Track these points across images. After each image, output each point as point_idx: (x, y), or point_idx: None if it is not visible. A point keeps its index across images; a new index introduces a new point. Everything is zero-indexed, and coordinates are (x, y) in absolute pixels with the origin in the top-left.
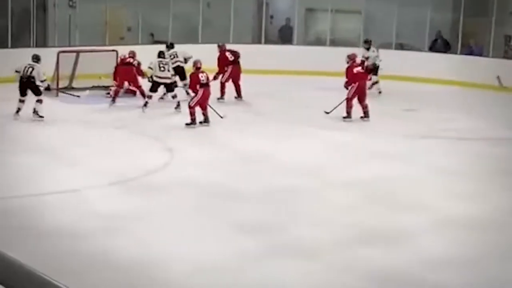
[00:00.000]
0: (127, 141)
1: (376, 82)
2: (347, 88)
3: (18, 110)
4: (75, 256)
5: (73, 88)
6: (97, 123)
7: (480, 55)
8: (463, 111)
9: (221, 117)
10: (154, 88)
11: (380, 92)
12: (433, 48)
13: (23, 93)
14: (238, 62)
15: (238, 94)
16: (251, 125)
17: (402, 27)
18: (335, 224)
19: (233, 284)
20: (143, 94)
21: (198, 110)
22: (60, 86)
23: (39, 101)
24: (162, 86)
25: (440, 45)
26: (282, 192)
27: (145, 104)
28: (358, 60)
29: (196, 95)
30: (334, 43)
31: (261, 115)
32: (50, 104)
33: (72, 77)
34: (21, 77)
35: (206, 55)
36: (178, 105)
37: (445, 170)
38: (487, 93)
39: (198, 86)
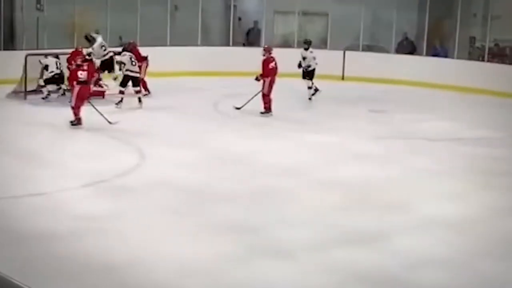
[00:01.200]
0: (98, 143)
1: (310, 88)
2: (257, 80)
3: (47, 96)
4: (57, 259)
5: (41, 91)
6: (67, 126)
7: (446, 56)
8: (431, 112)
9: (110, 123)
10: (125, 83)
11: (310, 99)
12: (399, 50)
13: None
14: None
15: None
16: (223, 126)
17: (369, 29)
18: (317, 225)
19: (216, 285)
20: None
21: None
22: (28, 89)
23: None
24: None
25: (406, 47)
26: (264, 193)
27: (121, 100)
28: (273, 53)
29: (73, 94)
30: (301, 45)
31: (233, 116)
32: (18, 107)
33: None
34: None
35: (175, 57)
36: (140, 100)
37: (425, 170)
38: (452, 94)
39: (75, 83)
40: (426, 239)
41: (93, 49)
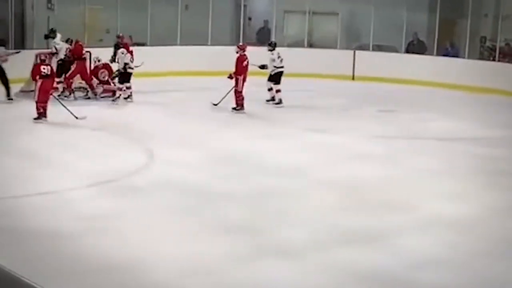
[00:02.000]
0: (106, 142)
1: (278, 91)
2: (230, 78)
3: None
4: (58, 258)
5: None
6: (75, 124)
7: (456, 56)
8: (440, 111)
9: (77, 118)
10: (125, 80)
11: (278, 103)
12: (409, 50)
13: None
14: None
15: None
16: (230, 126)
17: (379, 28)
18: (319, 224)
19: (219, 285)
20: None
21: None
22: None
23: None
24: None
25: (417, 47)
26: (266, 193)
27: (119, 97)
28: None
29: (36, 88)
30: (311, 45)
31: (242, 115)
32: (28, 106)
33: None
34: None
35: (185, 57)
36: (130, 95)
37: (427, 170)
38: (462, 94)
39: (38, 77)
40: (426, 239)
41: (56, 42)
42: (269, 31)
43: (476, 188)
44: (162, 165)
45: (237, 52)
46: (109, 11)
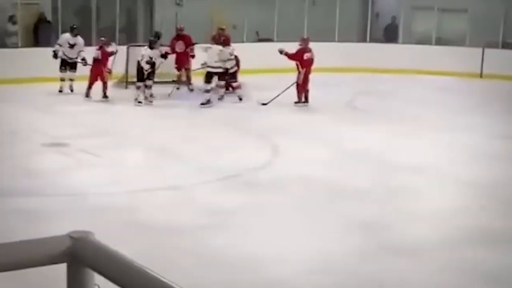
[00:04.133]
0: (229, 136)
1: (208, 91)
2: (280, 53)
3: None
4: (183, 253)
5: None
6: (200, 119)
7: None
8: None
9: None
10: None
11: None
12: None
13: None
14: None
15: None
16: (357, 123)
17: (510, 25)
18: (446, 224)
19: (344, 282)
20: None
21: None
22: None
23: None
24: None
25: None
26: (393, 191)
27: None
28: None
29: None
30: (440, 42)
31: (367, 112)
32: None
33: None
34: None
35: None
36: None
37: None
38: None
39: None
40: None
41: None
42: (396, 27)
43: None
44: (286, 161)
45: (300, 45)
46: (236, 6)
